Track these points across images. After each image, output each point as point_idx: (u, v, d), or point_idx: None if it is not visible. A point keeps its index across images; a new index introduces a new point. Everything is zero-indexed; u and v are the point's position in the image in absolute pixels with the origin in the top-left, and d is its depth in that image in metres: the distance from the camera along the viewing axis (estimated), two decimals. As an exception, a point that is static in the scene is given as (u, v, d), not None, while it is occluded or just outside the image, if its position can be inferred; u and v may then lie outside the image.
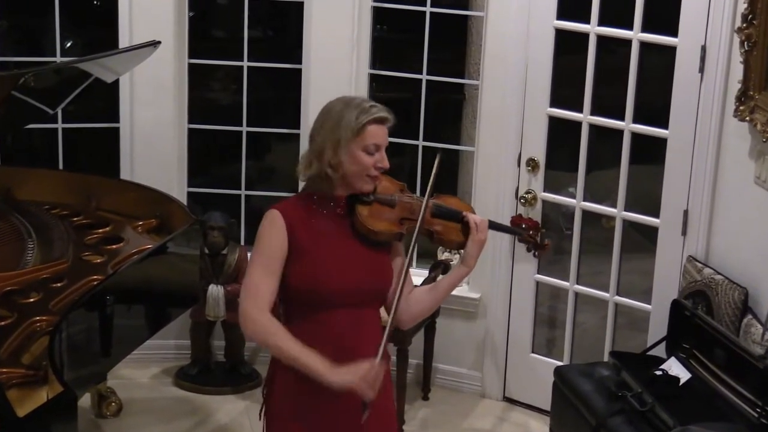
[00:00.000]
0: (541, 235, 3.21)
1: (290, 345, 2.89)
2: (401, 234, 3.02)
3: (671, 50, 4.51)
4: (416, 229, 2.98)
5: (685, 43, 4.46)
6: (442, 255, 5.23)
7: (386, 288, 3.03)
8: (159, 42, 4.57)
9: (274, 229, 2.94)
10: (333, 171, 2.94)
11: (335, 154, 2.93)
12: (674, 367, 4.17)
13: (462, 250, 3.08)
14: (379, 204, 3.01)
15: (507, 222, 4.98)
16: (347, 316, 2.96)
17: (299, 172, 3.02)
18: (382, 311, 3.08)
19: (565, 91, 4.92)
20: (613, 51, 4.88)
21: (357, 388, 2.84)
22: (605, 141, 4.92)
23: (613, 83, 4.81)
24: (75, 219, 4.60)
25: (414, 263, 5.24)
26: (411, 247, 3.00)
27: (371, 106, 2.96)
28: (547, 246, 3.23)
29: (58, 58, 5.20)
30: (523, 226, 3.23)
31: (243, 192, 5.49)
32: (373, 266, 3.00)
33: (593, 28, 4.70)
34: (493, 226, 3.13)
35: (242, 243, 5.41)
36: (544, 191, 4.98)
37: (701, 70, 4.42)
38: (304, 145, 5.30)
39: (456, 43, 5.58)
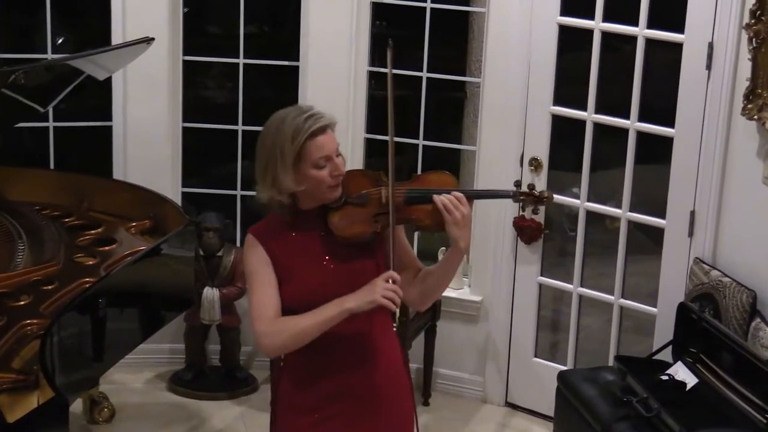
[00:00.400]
0: (536, 189, 2.98)
1: (303, 322, 2.83)
2: (376, 232, 2.91)
3: (678, 47, 4.50)
4: (390, 224, 2.87)
5: (692, 39, 4.46)
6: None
7: None
8: (153, 38, 4.57)
9: (255, 252, 2.93)
10: (289, 196, 2.88)
11: (285, 181, 2.83)
12: (681, 372, 4.17)
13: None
14: (350, 206, 2.93)
15: (509, 224, 5.02)
16: (345, 330, 2.89)
17: (261, 200, 2.93)
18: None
19: (568, 89, 4.91)
20: (618, 48, 4.88)
21: (381, 302, 2.79)
22: (610, 140, 4.90)
23: (618, 81, 4.80)
24: (67, 220, 4.59)
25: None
26: (392, 238, 2.87)
27: (307, 117, 2.82)
28: (549, 197, 2.99)
29: (50, 55, 5.19)
30: (517, 186, 2.99)
31: (239, 192, 5.48)
32: (361, 274, 2.91)
33: (598, 25, 4.69)
34: (476, 195, 2.94)
35: (238, 244, 5.40)
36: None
37: (708, 67, 4.42)
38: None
39: (457, 39, 5.57)
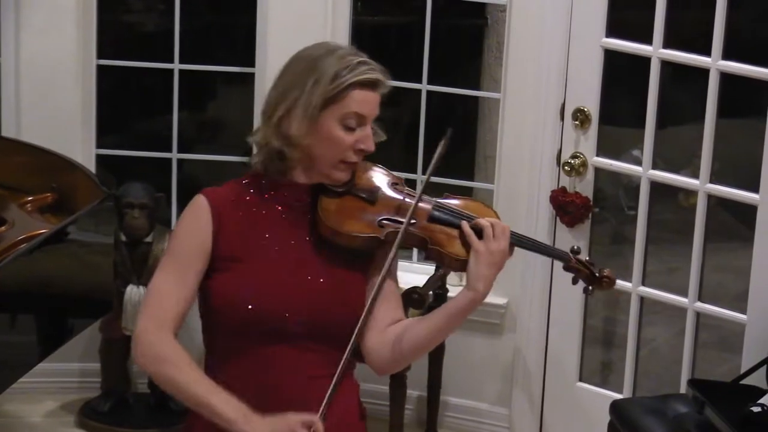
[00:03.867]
0: (596, 265, 3.02)
1: (191, 387, 2.88)
2: (378, 239, 2.90)
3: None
4: (399, 234, 2.87)
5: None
6: (461, 280, 5.12)
7: (352, 321, 2.91)
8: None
9: (194, 223, 2.93)
10: (289, 147, 2.88)
11: (294, 123, 2.85)
12: (778, 402, 4.20)
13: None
14: (353, 198, 2.94)
15: (546, 198, 5.00)
16: (291, 356, 2.90)
17: (252, 142, 2.96)
18: None
19: (627, 13, 4.92)
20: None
21: None
22: (684, 85, 4.93)
23: (694, 4, 4.80)
24: (-62, 193, 4.60)
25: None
26: (390, 258, 2.88)
27: (360, 62, 2.88)
28: (607, 279, 3.03)
29: None
30: (574, 252, 3.04)
31: (175, 155, 5.49)
32: (337, 287, 2.91)
33: (668, -74, 4.72)
34: (518, 240, 2.96)
35: (173, 227, 5.40)
36: (598, 155, 4.97)
37: (819, -15, 4.44)
38: (261, 89, 5.32)
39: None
